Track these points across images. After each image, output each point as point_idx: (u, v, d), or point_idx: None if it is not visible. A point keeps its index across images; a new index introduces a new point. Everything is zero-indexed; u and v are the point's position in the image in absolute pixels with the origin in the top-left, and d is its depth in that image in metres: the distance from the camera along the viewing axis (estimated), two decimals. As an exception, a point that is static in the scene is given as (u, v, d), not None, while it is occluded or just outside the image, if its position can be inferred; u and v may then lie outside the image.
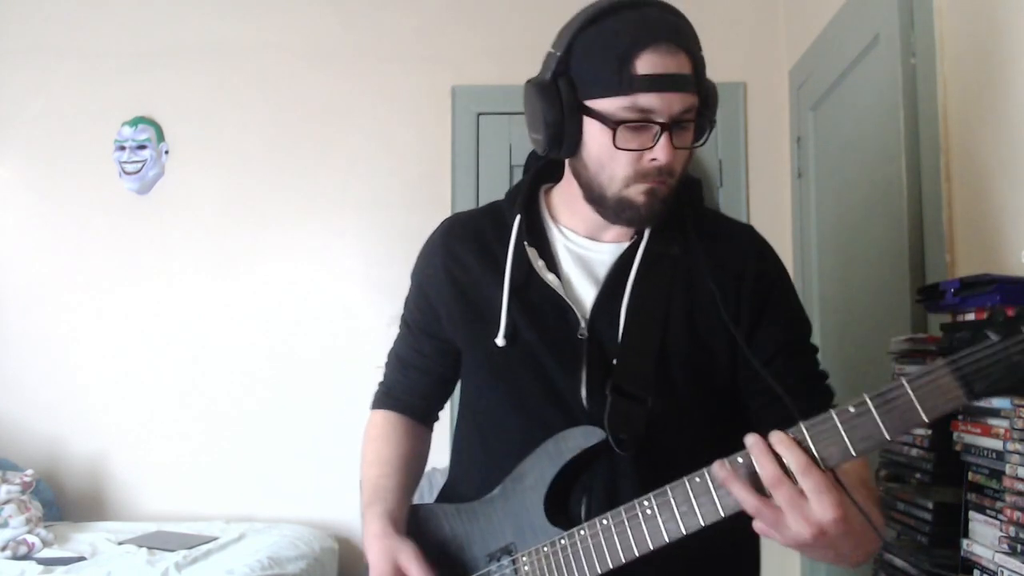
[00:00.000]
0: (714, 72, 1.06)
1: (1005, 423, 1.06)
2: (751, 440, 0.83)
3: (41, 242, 2.94)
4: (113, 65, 2.96)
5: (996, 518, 1.07)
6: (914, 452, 1.30)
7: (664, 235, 1.09)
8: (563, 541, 0.98)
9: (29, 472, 2.51)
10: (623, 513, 0.93)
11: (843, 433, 0.79)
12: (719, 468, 0.85)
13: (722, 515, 0.86)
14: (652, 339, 1.05)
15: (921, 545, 1.26)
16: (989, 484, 1.10)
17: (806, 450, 0.80)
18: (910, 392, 0.76)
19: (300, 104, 2.92)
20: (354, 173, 2.90)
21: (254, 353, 2.86)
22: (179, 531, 2.53)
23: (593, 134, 1.01)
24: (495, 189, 2.84)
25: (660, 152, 0.98)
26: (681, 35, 0.99)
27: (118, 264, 2.91)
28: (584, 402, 1.05)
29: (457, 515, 1.10)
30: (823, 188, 2.47)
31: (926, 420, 0.76)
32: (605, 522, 0.95)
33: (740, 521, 0.85)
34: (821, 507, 0.79)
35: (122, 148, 2.90)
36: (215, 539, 2.43)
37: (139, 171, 2.89)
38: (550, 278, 1.09)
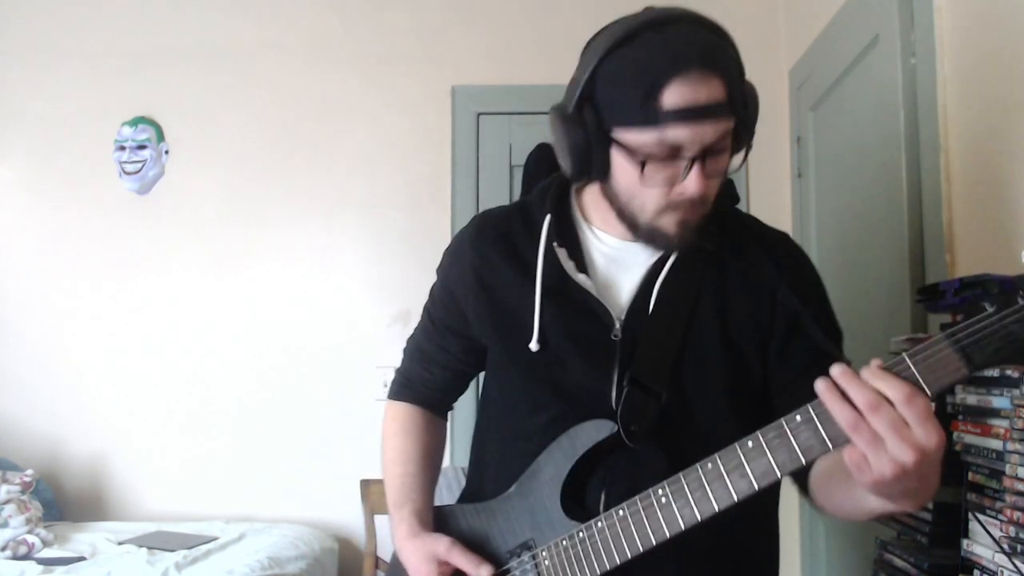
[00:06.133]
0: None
1: (1005, 423, 1.06)
2: (838, 370, 0.76)
3: (41, 242, 2.94)
4: (113, 65, 2.96)
5: (996, 518, 1.07)
6: (914, 452, 1.30)
7: (700, 232, 1.05)
8: (581, 534, 0.99)
9: (29, 472, 2.50)
10: (639, 503, 0.94)
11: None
12: (824, 382, 0.77)
13: (735, 499, 0.86)
14: (675, 334, 1.04)
15: (921, 545, 1.26)
16: (989, 484, 1.10)
17: (907, 380, 0.76)
18: (912, 367, 0.76)
19: (300, 104, 2.92)
20: (354, 173, 2.90)
21: (254, 353, 2.86)
22: (179, 531, 2.53)
23: (621, 165, 0.97)
24: (495, 189, 2.85)
25: (691, 185, 0.95)
26: (711, 56, 0.92)
27: (118, 264, 2.91)
28: (612, 402, 1.03)
29: (476, 514, 1.10)
30: (823, 188, 2.47)
31: (929, 393, 0.76)
32: (621, 512, 0.95)
33: (758, 511, 0.83)
34: (926, 432, 0.74)
35: (122, 148, 2.90)
36: (215, 539, 2.42)
37: (139, 171, 2.89)
38: (581, 279, 1.07)
